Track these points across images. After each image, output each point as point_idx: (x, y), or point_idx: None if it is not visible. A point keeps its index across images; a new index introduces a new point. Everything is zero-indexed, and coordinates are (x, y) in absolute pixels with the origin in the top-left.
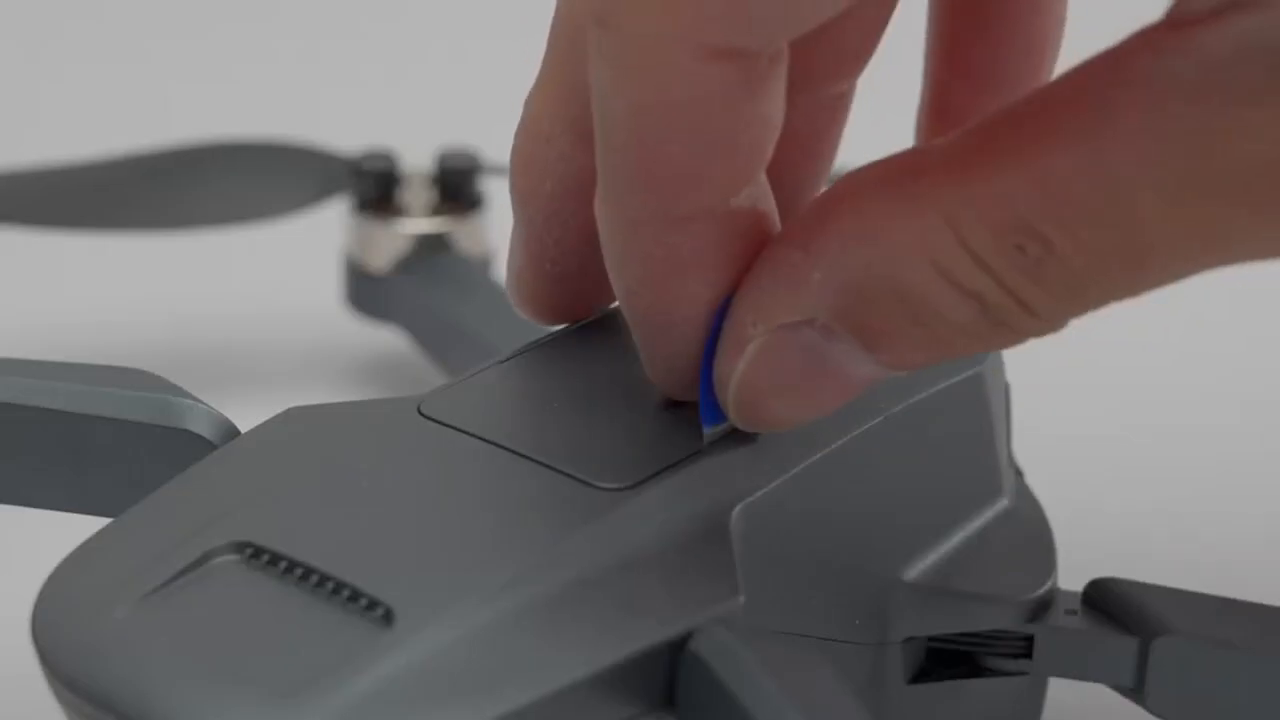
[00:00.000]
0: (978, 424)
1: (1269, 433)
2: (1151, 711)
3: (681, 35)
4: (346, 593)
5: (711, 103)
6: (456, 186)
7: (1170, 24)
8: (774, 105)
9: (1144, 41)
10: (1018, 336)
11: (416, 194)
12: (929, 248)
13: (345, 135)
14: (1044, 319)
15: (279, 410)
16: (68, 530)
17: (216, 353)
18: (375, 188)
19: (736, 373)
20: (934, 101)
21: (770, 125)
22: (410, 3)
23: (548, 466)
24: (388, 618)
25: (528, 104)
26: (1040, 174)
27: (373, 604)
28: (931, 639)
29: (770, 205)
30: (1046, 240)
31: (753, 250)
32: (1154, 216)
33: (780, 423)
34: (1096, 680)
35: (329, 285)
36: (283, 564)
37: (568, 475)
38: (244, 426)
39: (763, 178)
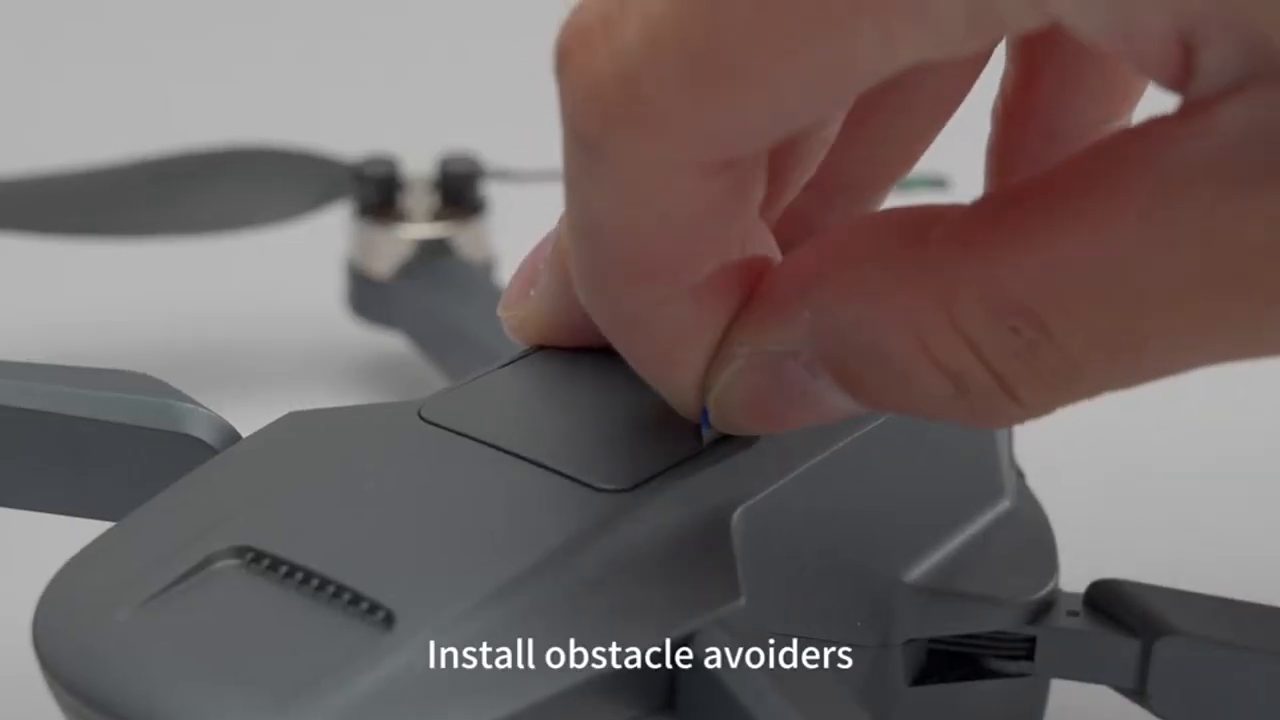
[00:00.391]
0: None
1: (1270, 433)
2: (1154, 713)
3: (677, 157)
4: (347, 596)
5: (706, 211)
6: (458, 192)
7: (1185, 108)
8: (758, 196)
9: (1158, 124)
10: (995, 420)
11: (418, 199)
12: (917, 323)
13: (347, 141)
14: (1027, 406)
15: (280, 414)
16: (68, 533)
17: (219, 357)
18: (377, 193)
19: (716, 386)
20: (1002, 146)
21: (755, 213)
22: (411, 8)
23: (548, 469)
24: (388, 621)
25: None
26: (1043, 255)
27: (373, 607)
28: (933, 641)
29: (768, 246)
30: (1043, 324)
31: (750, 291)
32: (1157, 305)
33: (753, 433)
34: (1098, 682)
35: (331, 290)
36: (283, 568)
37: (568, 478)
38: (245, 431)
39: (758, 228)
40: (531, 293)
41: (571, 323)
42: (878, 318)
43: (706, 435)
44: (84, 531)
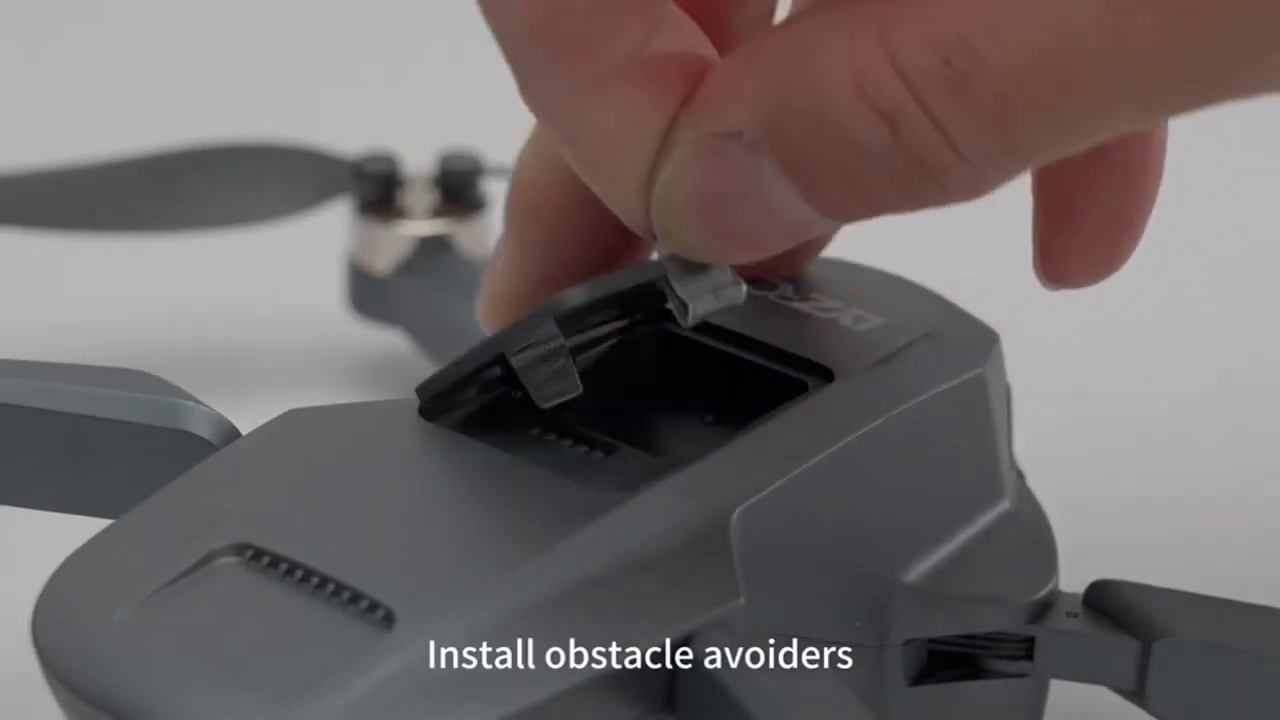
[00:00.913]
0: (979, 426)
1: (1270, 435)
2: (1152, 714)
3: None
4: (347, 595)
5: None
6: (458, 188)
7: None
8: None
9: None
10: (933, 179)
11: (418, 196)
12: (853, 60)
13: (347, 137)
14: (964, 153)
15: (280, 412)
16: (68, 531)
17: (218, 354)
18: (377, 190)
19: (661, 183)
20: (1044, 240)
21: None
22: (411, 4)
23: (549, 468)
24: (388, 620)
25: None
26: None
27: (373, 606)
28: (932, 641)
29: (704, 49)
30: (976, 51)
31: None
32: (1089, 24)
33: (701, 242)
34: (1097, 682)
35: (331, 287)
36: (283, 566)
37: (568, 477)
38: (245, 428)
39: (685, 24)
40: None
41: (528, 289)
42: (815, 64)
43: (658, 250)
44: (84, 530)
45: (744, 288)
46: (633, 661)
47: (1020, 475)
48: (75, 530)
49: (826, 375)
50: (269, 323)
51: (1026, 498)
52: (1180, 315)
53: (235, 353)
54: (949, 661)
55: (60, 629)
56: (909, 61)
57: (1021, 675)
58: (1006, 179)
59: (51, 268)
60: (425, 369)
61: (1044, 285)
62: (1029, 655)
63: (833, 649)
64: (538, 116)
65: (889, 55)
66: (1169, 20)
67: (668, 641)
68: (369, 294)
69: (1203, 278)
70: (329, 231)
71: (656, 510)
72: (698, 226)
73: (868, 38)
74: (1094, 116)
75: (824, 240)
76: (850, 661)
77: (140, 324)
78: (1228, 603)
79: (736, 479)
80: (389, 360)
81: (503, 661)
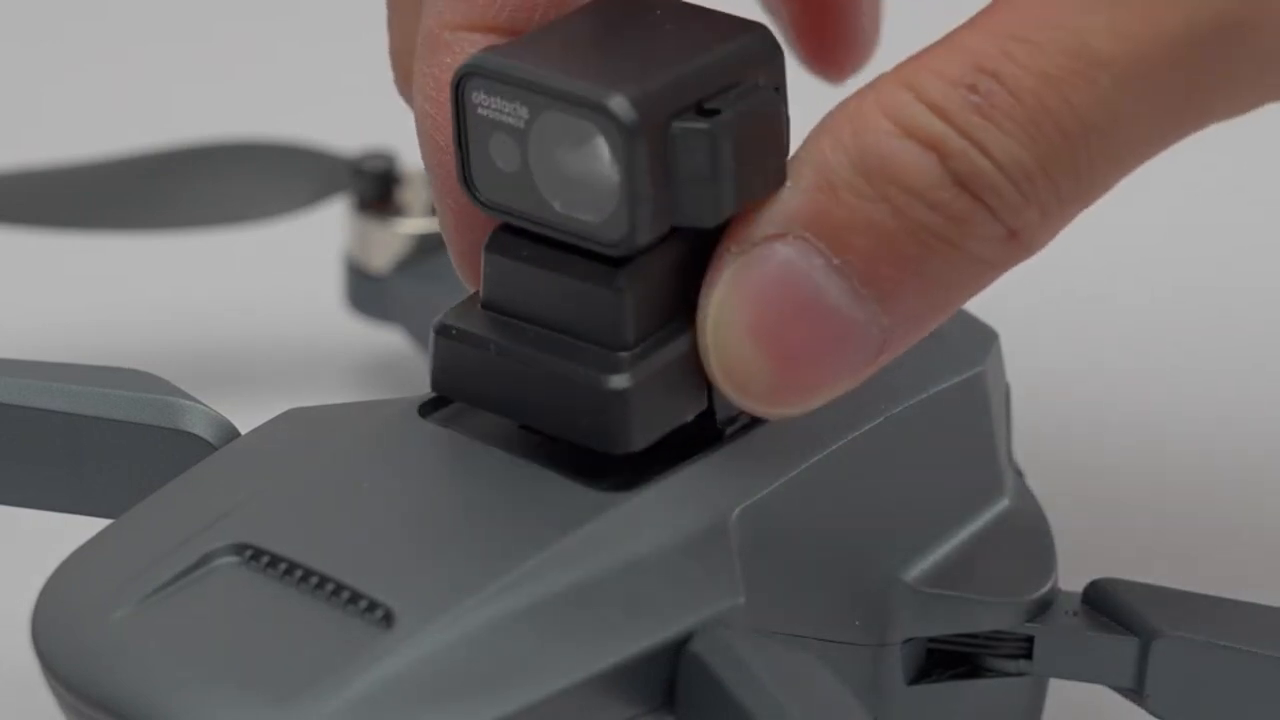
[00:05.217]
0: (978, 424)
1: (1268, 433)
2: (1152, 713)
3: None
4: (346, 594)
5: None
6: None
7: None
8: None
9: None
10: (986, 206)
11: (417, 193)
12: (885, 108)
13: (345, 135)
14: (1005, 169)
15: (279, 410)
16: (67, 531)
17: (217, 353)
18: (375, 187)
19: (713, 298)
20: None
21: None
22: None
23: (548, 468)
24: (388, 619)
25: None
26: (992, 27)
27: (373, 605)
28: (932, 640)
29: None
30: (996, 73)
31: None
32: (1102, 30)
33: (761, 373)
34: (1096, 681)
35: (329, 285)
36: (282, 566)
37: (568, 476)
38: (244, 427)
39: None
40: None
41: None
42: (852, 127)
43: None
44: (83, 530)
45: None
46: (632, 660)
47: (1019, 474)
48: (75, 530)
49: None
50: (268, 321)
51: (1026, 496)
52: (1180, 314)
53: (234, 351)
54: (948, 660)
55: (59, 629)
56: (936, 96)
57: (1020, 674)
58: (1055, 205)
59: (50, 267)
60: (424, 367)
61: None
62: (1028, 654)
63: (832, 647)
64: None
65: (917, 96)
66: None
67: (667, 640)
68: (367, 292)
69: (1202, 277)
70: (327, 229)
71: (656, 510)
72: (751, 351)
73: (893, 88)
74: (1122, 107)
75: None
76: (850, 660)
77: (138, 322)
78: (1226, 601)
79: (737, 478)
80: (387, 358)
81: (502, 660)
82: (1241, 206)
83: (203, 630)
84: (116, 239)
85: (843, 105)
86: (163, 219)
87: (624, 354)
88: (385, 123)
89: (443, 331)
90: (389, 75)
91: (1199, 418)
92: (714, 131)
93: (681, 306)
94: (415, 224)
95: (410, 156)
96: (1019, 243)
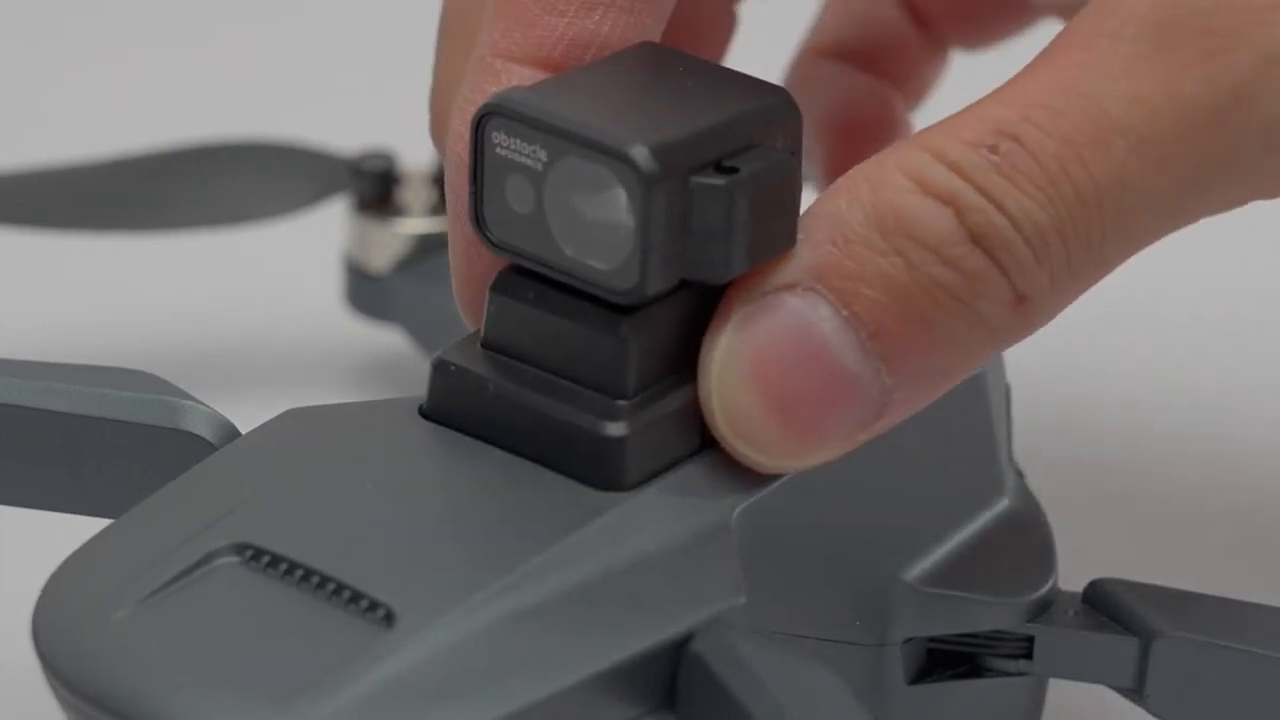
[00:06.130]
0: (978, 424)
1: (1268, 434)
2: (1152, 713)
3: None
4: (347, 594)
5: None
6: None
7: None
8: None
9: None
10: (999, 265)
11: (416, 193)
12: (903, 166)
13: (344, 135)
14: (1020, 226)
15: (279, 410)
16: (68, 531)
17: (217, 353)
18: (375, 187)
19: (718, 344)
20: None
21: None
22: (407, 1)
23: (548, 467)
24: (389, 619)
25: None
26: (1013, 96)
27: (373, 605)
28: (932, 640)
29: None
30: (1017, 136)
31: None
32: (1122, 98)
33: (761, 422)
34: (1097, 681)
35: (329, 285)
36: (283, 565)
37: (569, 475)
38: (245, 426)
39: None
40: None
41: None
42: (869, 182)
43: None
44: (84, 529)
45: None
46: (633, 660)
47: (1020, 474)
48: (75, 530)
49: None
50: (268, 321)
51: (1026, 496)
52: (1180, 314)
53: (235, 351)
54: (948, 660)
55: (60, 628)
56: (956, 156)
57: (1021, 674)
58: (1065, 273)
59: (49, 267)
60: (424, 367)
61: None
62: (1028, 654)
63: (833, 647)
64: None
65: (936, 157)
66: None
67: (668, 640)
68: (367, 292)
69: (1202, 276)
70: (328, 229)
71: (658, 509)
72: (754, 399)
73: (912, 151)
74: (1138, 170)
75: None
76: (850, 660)
77: (138, 322)
78: (1226, 601)
79: (738, 477)
80: (388, 358)
81: (503, 660)
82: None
83: (203, 630)
84: (116, 240)
85: (860, 166)
86: (162, 220)
87: (623, 402)
88: (384, 123)
89: (440, 367)
90: (388, 75)
91: (1199, 418)
92: (731, 189)
93: (683, 360)
94: (415, 224)
95: (410, 156)
96: (1025, 311)
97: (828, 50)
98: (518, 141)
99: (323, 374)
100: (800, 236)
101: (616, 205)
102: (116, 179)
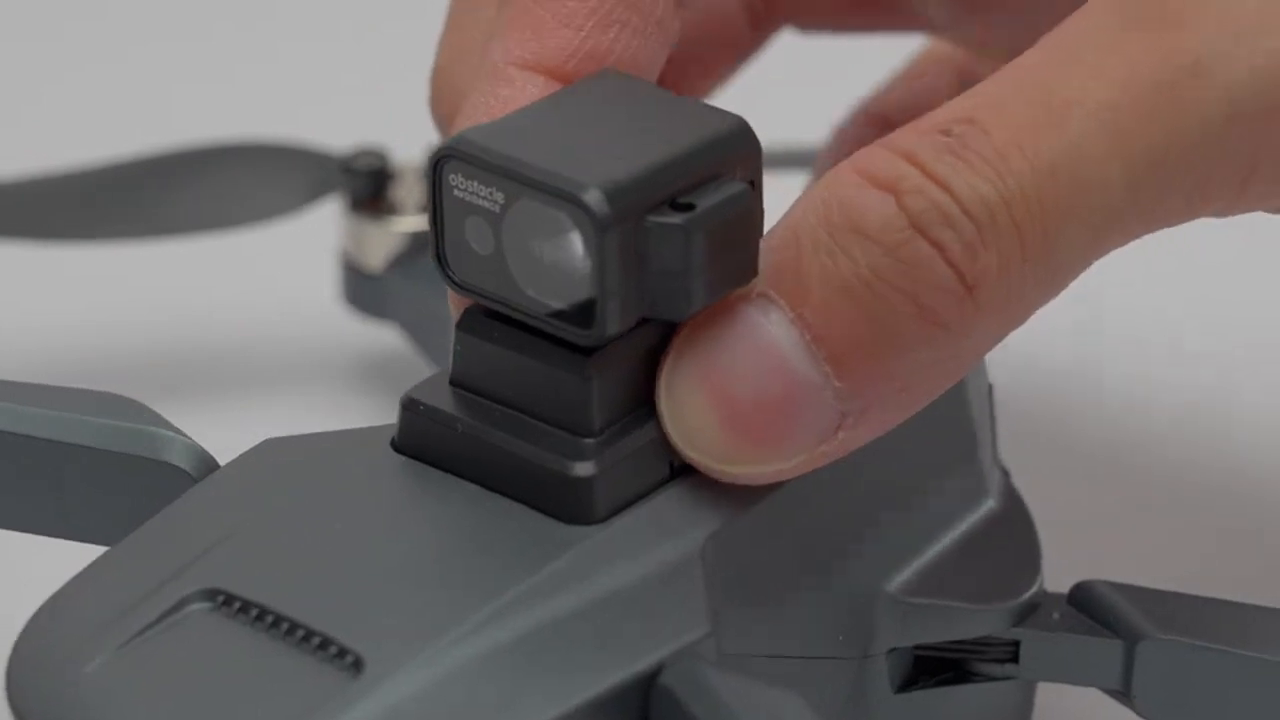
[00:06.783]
0: (959, 425)
1: (1256, 435)
2: (1139, 713)
3: None
4: (316, 640)
5: None
6: None
7: None
8: None
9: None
10: (938, 246)
11: (409, 190)
12: (860, 163)
13: (336, 133)
14: (966, 205)
15: (276, 409)
16: (49, 554)
17: (216, 355)
18: (368, 185)
19: (670, 354)
20: None
21: None
22: None
23: (519, 501)
24: (357, 665)
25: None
26: (973, 92)
27: (342, 652)
28: (918, 646)
29: None
30: (972, 119)
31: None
32: (1078, 76)
33: (713, 432)
34: (1084, 683)
35: (326, 284)
36: (254, 611)
37: (538, 510)
38: (241, 428)
39: None
40: None
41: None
42: (829, 180)
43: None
44: (63, 552)
45: None
46: (603, 696)
47: (1005, 473)
48: (57, 553)
49: None
50: (265, 321)
51: (1011, 497)
52: (1172, 312)
53: (231, 351)
54: (935, 666)
55: (34, 683)
56: (908, 145)
57: (1007, 678)
58: (1016, 260)
59: (45, 270)
60: (420, 364)
61: None
62: (1015, 658)
63: (816, 664)
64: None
65: (888, 147)
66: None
67: (637, 674)
68: (363, 290)
69: (1197, 275)
70: (322, 229)
71: (625, 542)
72: (705, 408)
73: (870, 149)
74: (1085, 162)
75: None
76: (833, 674)
77: (136, 325)
78: (1211, 602)
79: (706, 506)
80: (384, 356)
81: (471, 704)
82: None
83: (175, 681)
84: (110, 245)
85: (824, 177)
86: (154, 225)
87: (589, 440)
88: (376, 120)
89: (410, 406)
90: (382, 74)
91: (1186, 417)
92: (687, 228)
93: (647, 394)
94: (409, 221)
95: (402, 153)
96: (975, 303)
97: (878, 118)
98: (474, 184)
99: (320, 372)
100: (762, 245)
101: (573, 248)
102: (106, 184)
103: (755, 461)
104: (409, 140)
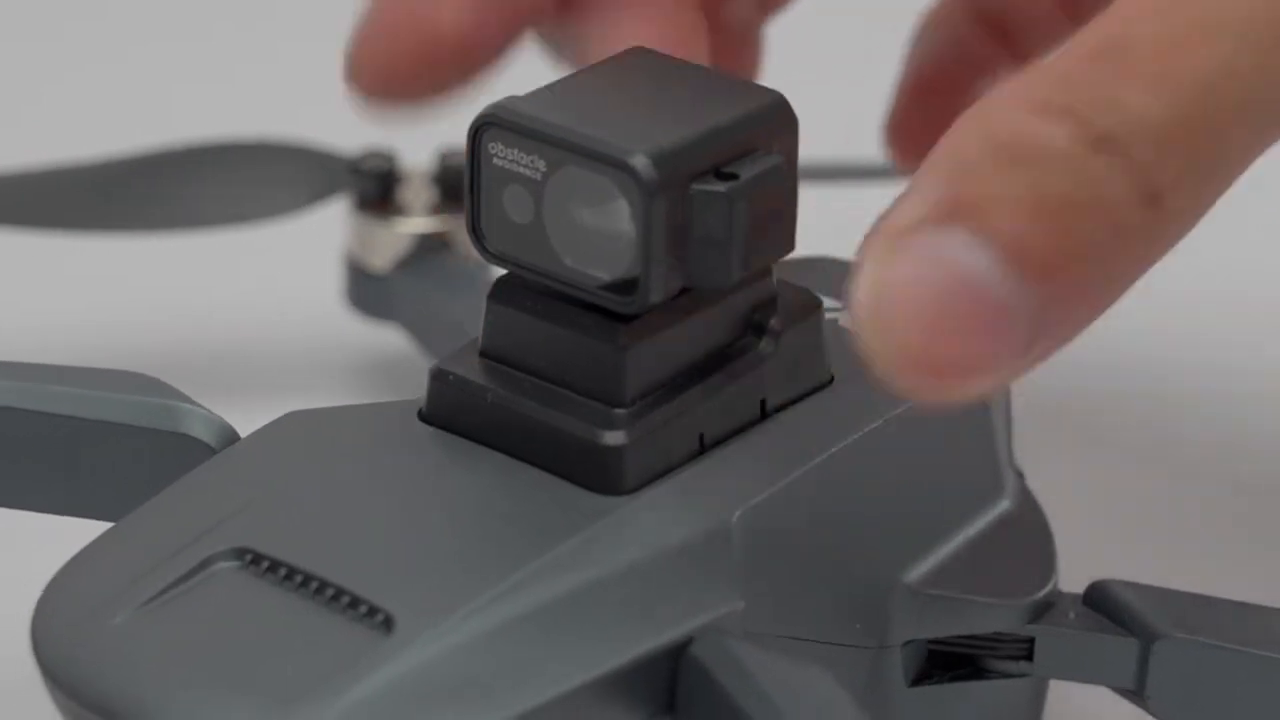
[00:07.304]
0: (977, 426)
1: (1271, 435)
2: (1153, 714)
3: None
4: (346, 600)
5: None
6: (457, 185)
7: None
8: None
9: None
10: (1122, 161)
11: (417, 193)
12: (1017, 93)
13: (345, 134)
14: (1141, 120)
15: (281, 411)
16: (66, 534)
17: (218, 353)
18: (375, 187)
19: (861, 284)
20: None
21: None
22: None
23: (548, 471)
24: (388, 624)
25: None
26: (1115, 11)
27: (373, 611)
28: (932, 641)
29: None
30: (1124, 39)
31: None
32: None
33: (915, 355)
34: (1097, 682)
35: (330, 285)
36: (283, 570)
37: (568, 480)
38: (245, 426)
39: None
40: None
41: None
42: (985, 111)
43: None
44: (83, 531)
45: None
46: (632, 665)
47: (1020, 475)
48: (73, 532)
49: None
50: (268, 321)
51: (1026, 497)
52: (1180, 313)
53: (235, 351)
54: (949, 662)
55: (59, 635)
56: (1070, 70)
57: (1021, 675)
58: (1193, 167)
59: (49, 267)
60: (423, 366)
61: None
62: (1029, 655)
63: (833, 650)
64: None
65: (1047, 75)
66: None
67: (666, 645)
68: (368, 291)
69: (1200, 276)
70: (327, 229)
71: (656, 513)
72: (906, 337)
73: (1020, 80)
74: (1242, 77)
75: None
76: (850, 663)
77: (139, 323)
78: (1227, 603)
79: (737, 481)
80: (388, 358)
81: (502, 666)
82: (1243, 203)
83: (202, 636)
84: (116, 240)
85: (966, 112)
86: (162, 220)
87: (620, 410)
88: (385, 122)
89: (439, 377)
90: None
91: (1200, 418)
92: (731, 196)
93: (681, 365)
94: (415, 223)
95: (410, 156)
96: (1162, 210)
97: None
98: (515, 152)
99: (323, 373)
100: (928, 176)
101: (617, 215)
102: (115, 179)
103: (959, 384)
104: (417, 143)
